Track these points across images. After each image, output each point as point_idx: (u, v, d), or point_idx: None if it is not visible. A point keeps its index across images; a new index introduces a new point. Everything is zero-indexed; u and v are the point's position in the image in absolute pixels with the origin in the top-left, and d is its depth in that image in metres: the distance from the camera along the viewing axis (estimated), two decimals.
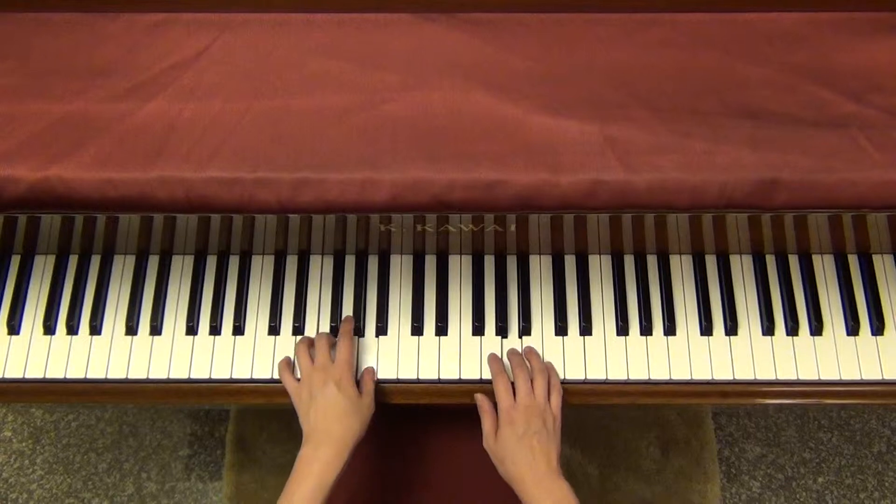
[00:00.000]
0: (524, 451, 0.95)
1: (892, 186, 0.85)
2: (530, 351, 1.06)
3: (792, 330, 1.06)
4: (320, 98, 0.92)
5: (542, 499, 0.93)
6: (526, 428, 0.96)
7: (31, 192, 0.87)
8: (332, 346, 1.03)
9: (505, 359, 1.06)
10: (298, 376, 1.03)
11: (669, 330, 1.07)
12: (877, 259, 1.10)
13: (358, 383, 1.03)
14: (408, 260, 1.11)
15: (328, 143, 0.88)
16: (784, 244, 1.09)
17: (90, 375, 1.06)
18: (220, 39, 0.97)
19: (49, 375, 1.06)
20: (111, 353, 1.07)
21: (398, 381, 1.06)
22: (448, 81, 0.93)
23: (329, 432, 0.96)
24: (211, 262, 1.12)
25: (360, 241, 1.09)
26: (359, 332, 1.08)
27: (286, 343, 1.08)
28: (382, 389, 1.06)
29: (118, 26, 0.98)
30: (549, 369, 1.04)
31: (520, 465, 0.95)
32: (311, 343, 1.05)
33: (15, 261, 1.12)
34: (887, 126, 0.88)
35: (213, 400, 1.08)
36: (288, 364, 1.05)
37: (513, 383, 1.01)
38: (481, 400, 1.03)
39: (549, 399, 1.00)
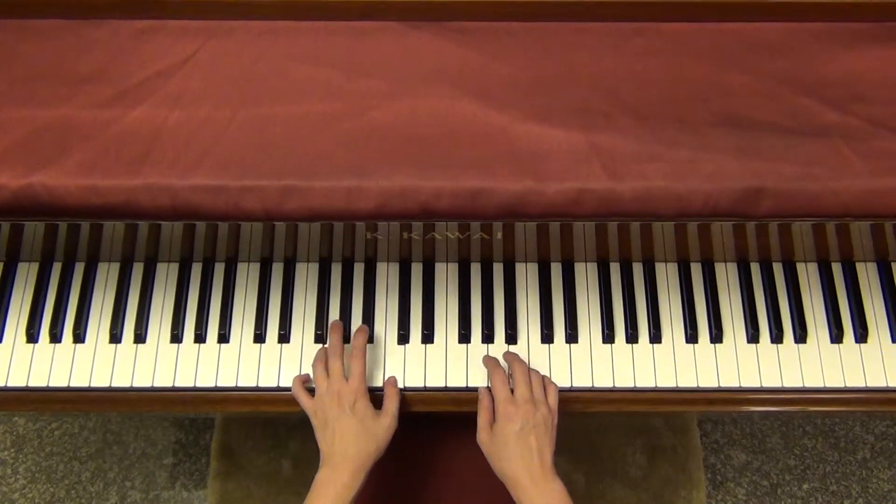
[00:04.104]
0: (521, 448, 0.95)
1: (874, 195, 0.86)
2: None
3: (776, 337, 1.07)
4: (307, 105, 0.92)
5: (538, 500, 0.92)
6: (523, 423, 0.96)
7: (14, 199, 0.86)
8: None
9: (502, 361, 1.06)
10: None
11: (655, 338, 1.07)
12: (860, 267, 1.11)
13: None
14: (394, 267, 1.11)
15: (314, 151, 0.88)
16: (768, 252, 1.09)
17: (74, 384, 1.05)
18: (206, 47, 0.97)
19: (32, 384, 1.06)
20: (95, 362, 1.06)
21: (384, 390, 1.06)
22: (435, 89, 0.93)
23: (346, 455, 0.96)
24: (196, 270, 1.11)
25: (346, 248, 1.09)
26: (345, 339, 1.07)
27: (272, 351, 1.07)
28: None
29: (104, 33, 0.98)
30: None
31: (515, 462, 0.94)
32: (328, 356, 1.05)
33: None
34: (869, 136, 0.89)
35: (198, 408, 1.08)
36: (303, 382, 1.04)
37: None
38: (483, 393, 1.02)
39: (546, 396, 1.00)
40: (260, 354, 1.07)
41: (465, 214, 0.88)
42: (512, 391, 0.99)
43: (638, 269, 1.11)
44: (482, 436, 0.99)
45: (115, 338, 1.07)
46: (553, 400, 1.00)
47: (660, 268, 1.11)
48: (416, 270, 1.11)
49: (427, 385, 1.06)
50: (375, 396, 1.03)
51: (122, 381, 1.06)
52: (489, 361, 1.04)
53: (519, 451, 0.95)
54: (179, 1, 0.97)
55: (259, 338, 1.08)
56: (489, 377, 1.02)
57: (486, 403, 1.01)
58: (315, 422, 0.99)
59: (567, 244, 1.07)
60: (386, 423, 1.00)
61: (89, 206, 0.87)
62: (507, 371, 1.03)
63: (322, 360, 1.03)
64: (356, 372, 1.01)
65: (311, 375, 1.03)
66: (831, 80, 0.94)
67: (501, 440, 0.96)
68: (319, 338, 1.08)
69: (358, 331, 1.06)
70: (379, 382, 1.06)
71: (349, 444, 0.96)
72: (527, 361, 1.06)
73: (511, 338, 1.07)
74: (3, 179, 0.86)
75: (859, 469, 1.76)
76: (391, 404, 1.02)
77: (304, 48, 0.97)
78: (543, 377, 1.03)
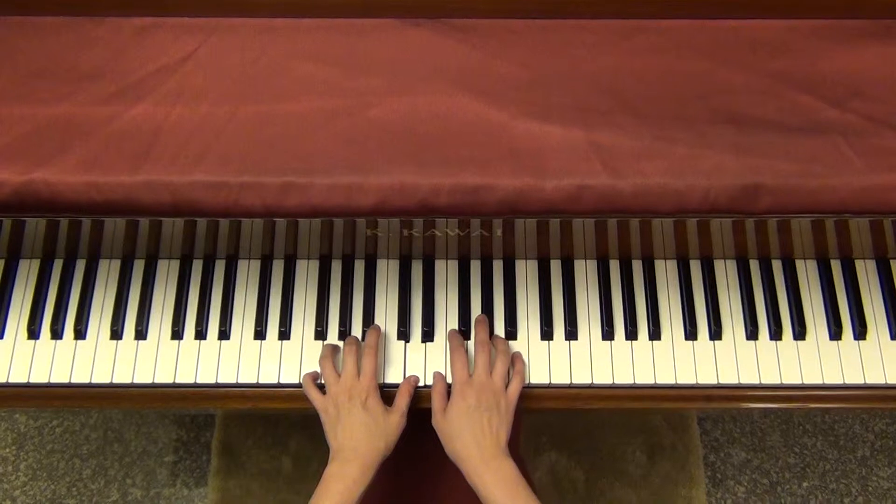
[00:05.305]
0: (472, 425, 0.95)
1: (873, 192, 0.86)
2: (497, 336, 1.07)
3: (775, 334, 1.07)
4: (307, 103, 0.92)
5: (489, 477, 0.93)
6: (477, 403, 0.97)
7: (15, 195, 0.86)
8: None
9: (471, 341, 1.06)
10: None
11: (654, 334, 1.07)
12: (859, 264, 1.11)
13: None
14: (394, 264, 1.12)
15: (314, 148, 0.89)
16: (767, 249, 1.09)
17: (74, 380, 1.06)
18: (207, 44, 0.97)
19: (33, 380, 1.06)
20: (96, 358, 1.07)
21: (385, 387, 1.06)
22: (434, 86, 0.93)
23: (356, 451, 0.96)
24: (197, 267, 1.12)
25: (346, 245, 1.09)
26: (344, 336, 1.08)
27: (272, 348, 1.08)
28: None
29: (105, 30, 0.98)
30: (516, 356, 1.05)
31: (467, 441, 0.95)
32: (334, 351, 1.05)
33: None
34: (868, 132, 0.89)
35: (199, 404, 1.08)
36: (313, 379, 1.04)
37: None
38: (437, 378, 1.03)
39: (507, 384, 1.01)
40: (260, 351, 1.07)
41: (465, 211, 0.88)
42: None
43: (637, 267, 1.11)
44: (436, 418, 1.00)
45: (116, 334, 1.08)
46: (514, 388, 1.01)
47: (659, 265, 1.11)
48: (417, 267, 1.11)
49: (427, 383, 1.06)
50: (384, 393, 1.04)
51: (123, 378, 1.06)
52: (454, 340, 1.05)
53: (470, 429, 0.95)
54: None
55: (259, 334, 1.08)
56: (450, 356, 1.03)
57: (440, 388, 1.02)
58: (325, 418, 1.00)
59: (567, 241, 1.08)
60: (395, 420, 1.00)
61: (90, 203, 0.87)
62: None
63: (329, 357, 1.03)
64: (368, 369, 1.01)
65: (320, 372, 1.04)
66: (830, 78, 0.94)
67: (454, 417, 0.97)
68: (320, 334, 1.08)
69: (371, 329, 1.06)
70: (380, 379, 1.06)
71: (360, 439, 0.97)
72: (527, 358, 1.06)
73: (511, 334, 1.08)
74: (4, 176, 0.86)
75: (859, 467, 1.76)
76: (402, 401, 1.02)
77: (304, 45, 0.97)
78: (515, 362, 1.03)
